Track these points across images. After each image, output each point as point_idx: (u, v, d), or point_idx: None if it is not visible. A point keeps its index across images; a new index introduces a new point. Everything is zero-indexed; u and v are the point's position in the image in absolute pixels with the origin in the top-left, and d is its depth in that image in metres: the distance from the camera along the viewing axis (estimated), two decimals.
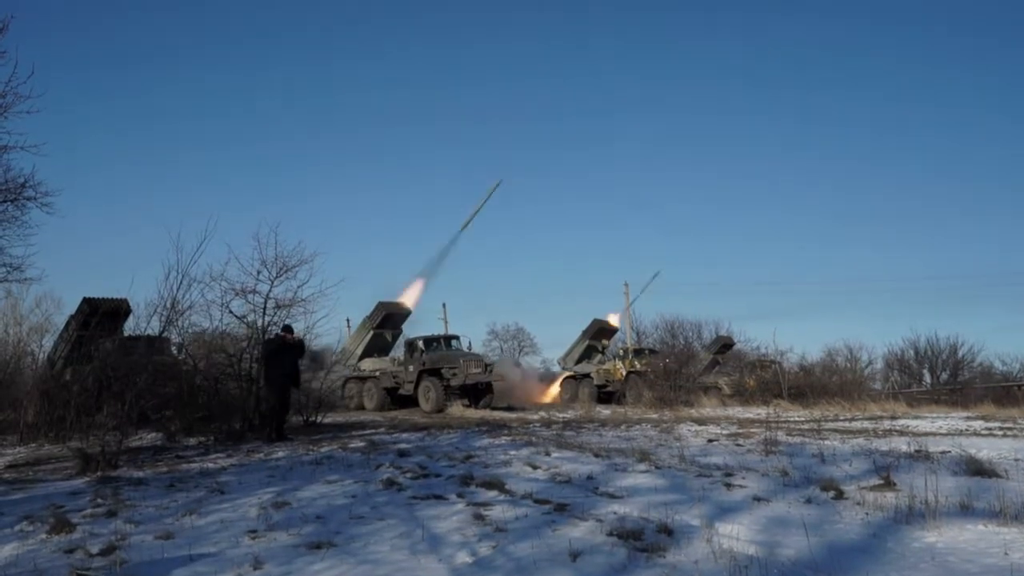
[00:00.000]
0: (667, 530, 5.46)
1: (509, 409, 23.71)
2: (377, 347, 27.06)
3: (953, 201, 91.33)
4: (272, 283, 14.44)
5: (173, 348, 14.82)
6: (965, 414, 20.44)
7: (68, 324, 17.60)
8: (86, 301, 16.96)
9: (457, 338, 25.39)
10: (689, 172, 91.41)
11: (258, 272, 14.37)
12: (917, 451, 9.61)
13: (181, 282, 14.04)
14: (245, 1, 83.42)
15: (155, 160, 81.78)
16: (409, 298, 28.37)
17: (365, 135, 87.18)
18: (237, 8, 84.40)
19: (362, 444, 11.89)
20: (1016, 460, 9.05)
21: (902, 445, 10.62)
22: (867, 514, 6.00)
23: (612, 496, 6.92)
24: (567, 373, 32.33)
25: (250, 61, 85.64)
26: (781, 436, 12.00)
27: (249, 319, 14.39)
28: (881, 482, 7.19)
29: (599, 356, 32.73)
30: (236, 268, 14.36)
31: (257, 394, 13.83)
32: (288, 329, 13.59)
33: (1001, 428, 14.80)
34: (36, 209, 11.84)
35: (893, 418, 18.44)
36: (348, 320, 27.42)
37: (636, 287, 38.36)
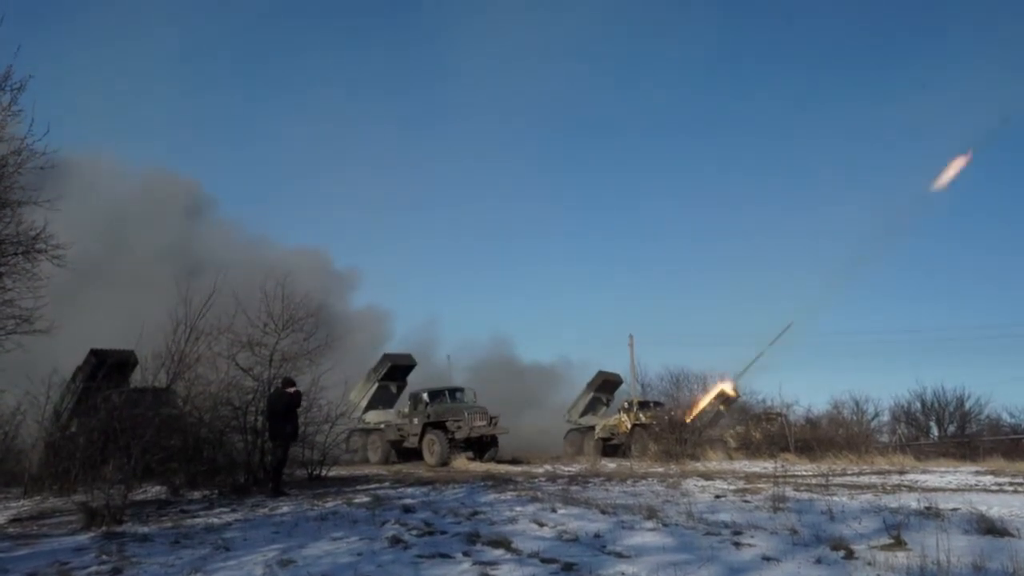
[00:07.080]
0: None
1: (514, 462, 23.51)
2: (382, 399, 26.96)
3: (959, 252, 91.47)
4: (279, 335, 14.53)
5: (179, 400, 14.80)
6: (974, 468, 20.24)
7: (75, 375, 17.60)
8: (93, 353, 16.99)
9: (462, 390, 25.27)
10: (697, 221, 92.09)
11: (264, 325, 14.48)
12: (927, 508, 9.52)
13: (189, 335, 14.16)
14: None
15: None
16: None
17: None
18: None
19: (367, 499, 11.81)
20: None
21: (912, 502, 10.53)
22: (879, 575, 5.95)
23: (620, 555, 6.86)
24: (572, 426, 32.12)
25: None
26: (789, 491, 11.89)
27: (255, 371, 14.42)
28: (892, 541, 7.14)
29: (604, 408, 32.53)
30: (243, 320, 14.46)
31: (262, 447, 13.78)
32: (289, 382, 13.58)
33: (1012, 484, 14.66)
34: (47, 261, 12.03)
35: (901, 472, 18.29)
36: None
37: (640, 338, 38.19)
